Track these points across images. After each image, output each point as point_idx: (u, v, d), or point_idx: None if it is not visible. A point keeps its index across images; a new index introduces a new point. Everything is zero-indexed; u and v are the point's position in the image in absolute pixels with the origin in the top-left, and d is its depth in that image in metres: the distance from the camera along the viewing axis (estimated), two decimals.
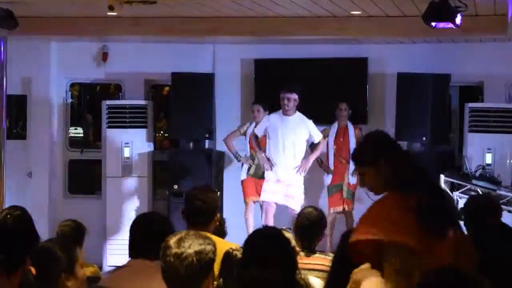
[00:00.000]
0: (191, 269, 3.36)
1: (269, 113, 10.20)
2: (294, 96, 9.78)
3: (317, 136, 10.02)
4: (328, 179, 10.56)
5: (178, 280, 3.39)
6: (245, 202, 10.44)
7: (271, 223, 9.58)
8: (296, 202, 9.71)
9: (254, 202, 10.43)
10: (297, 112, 9.93)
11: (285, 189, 9.86)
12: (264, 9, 9.33)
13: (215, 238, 5.19)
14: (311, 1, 8.76)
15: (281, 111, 9.90)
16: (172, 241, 3.42)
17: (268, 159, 9.93)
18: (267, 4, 9.02)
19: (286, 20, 9.98)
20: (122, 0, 7.66)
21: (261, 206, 10.15)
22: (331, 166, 10.52)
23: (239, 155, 10.62)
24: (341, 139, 10.55)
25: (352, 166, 10.09)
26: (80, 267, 4.12)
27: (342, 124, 10.61)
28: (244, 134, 10.63)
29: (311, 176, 10.26)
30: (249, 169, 10.51)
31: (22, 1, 8.64)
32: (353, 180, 10.31)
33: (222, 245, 4.93)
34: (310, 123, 9.97)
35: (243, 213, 10.43)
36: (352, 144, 10.41)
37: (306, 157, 9.99)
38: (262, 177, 10.13)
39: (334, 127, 10.61)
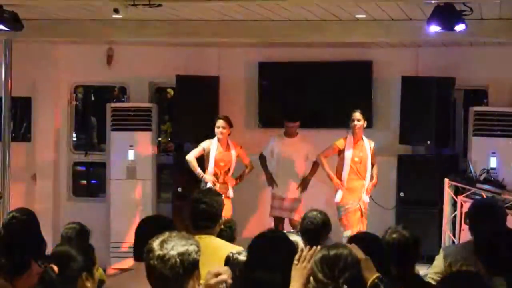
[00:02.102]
0: (174, 270, 3.36)
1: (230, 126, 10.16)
2: (297, 124, 10.36)
3: (314, 156, 10.27)
4: (339, 195, 9.91)
5: (162, 282, 3.39)
6: None
7: None
8: (300, 215, 9.86)
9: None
10: (298, 134, 10.43)
11: (290, 205, 10.29)
12: (269, 12, 9.33)
13: (221, 241, 5.21)
14: (316, 5, 8.75)
15: (283, 133, 10.45)
16: (155, 243, 3.42)
17: (271, 178, 10.39)
18: (273, 8, 9.01)
19: (291, 23, 9.97)
20: (127, 3, 7.65)
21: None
22: (345, 181, 9.88)
23: (202, 175, 10.08)
24: (360, 154, 9.88)
25: (367, 183, 9.89)
26: (96, 269, 4.17)
27: (358, 137, 9.91)
28: (208, 154, 10.14)
29: (315, 193, 10.34)
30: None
31: (28, 4, 8.65)
32: (367, 198, 9.88)
33: (229, 249, 4.93)
34: (309, 143, 10.38)
35: (248, 216, 10.48)
36: (369, 160, 9.84)
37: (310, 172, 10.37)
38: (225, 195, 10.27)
39: (350, 139, 9.91)
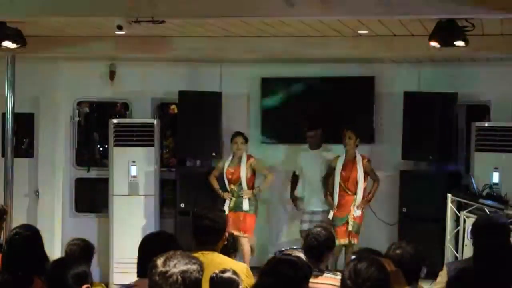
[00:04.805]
0: (175, 287, 3.38)
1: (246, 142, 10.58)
2: (318, 132, 10.66)
3: None
4: (331, 213, 10.41)
5: None
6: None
7: None
8: None
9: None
10: (322, 146, 10.75)
11: (314, 217, 10.54)
12: (272, 28, 9.35)
13: (224, 257, 5.21)
14: (319, 21, 8.78)
15: (307, 147, 10.78)
16: (159, 260, 3.46)
17: (295, 196, 10.84)
18: (275, 24, 9.04)
19: (294, 39, 9.99)
20: (131, 19, 7.67)
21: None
22: (336, 197, 10.33)
23: (221, 192, 10.56)
24: (349, 170, 10.33)
25: (358, 198, 10.24)
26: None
27: (350, 154, 10.37)
28: (222, 170, 10.61)
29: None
30: (229, 204, 10.53)
31: (31, 20, 8.67)
32: (357, 212, 10.24)
33: (231, 265, 4.93)
34: (333, 155, 10.60)
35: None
36: (360, 176, 10.25)
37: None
38: (241, 209, 10.43)
39: (342, 156, 10.42)
